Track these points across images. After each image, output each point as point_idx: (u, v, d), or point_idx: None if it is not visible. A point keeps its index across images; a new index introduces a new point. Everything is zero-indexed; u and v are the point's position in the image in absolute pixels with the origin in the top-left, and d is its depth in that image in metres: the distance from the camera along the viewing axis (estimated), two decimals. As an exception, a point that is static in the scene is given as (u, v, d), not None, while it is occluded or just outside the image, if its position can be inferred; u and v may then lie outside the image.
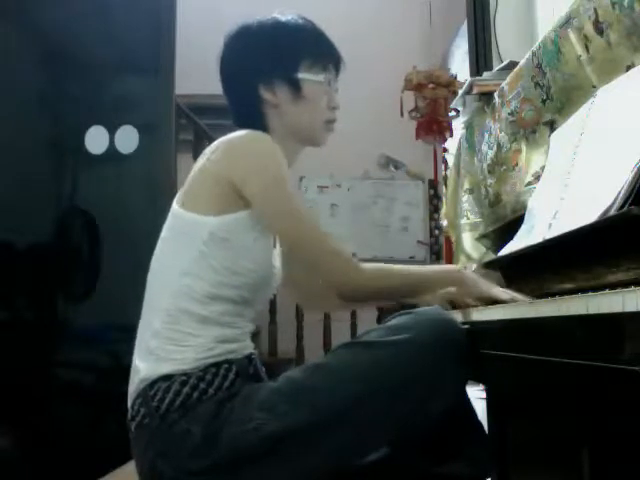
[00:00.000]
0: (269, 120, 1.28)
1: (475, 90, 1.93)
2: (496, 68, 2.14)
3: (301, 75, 1.27)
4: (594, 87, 1.28)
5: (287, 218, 1.19)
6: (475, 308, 1.17)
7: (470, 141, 2.05)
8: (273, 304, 3.66)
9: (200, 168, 1.22)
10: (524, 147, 1.65)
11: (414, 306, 1.23)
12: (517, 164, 1.68)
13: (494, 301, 1.14)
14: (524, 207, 1.37)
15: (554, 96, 1.48)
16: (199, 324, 1.14)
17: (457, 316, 1.19)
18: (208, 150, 1.23)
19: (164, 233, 1.23)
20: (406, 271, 1.27)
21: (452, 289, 1.25)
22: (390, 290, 1.26)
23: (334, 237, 1.23)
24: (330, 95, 1.31)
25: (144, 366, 1.15)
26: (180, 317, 1.14)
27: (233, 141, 1.21)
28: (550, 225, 1.13)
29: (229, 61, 1.31)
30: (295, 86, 1.27)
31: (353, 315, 3.77)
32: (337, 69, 1.33)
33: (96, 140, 2.73)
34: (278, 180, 1.18)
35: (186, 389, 1.10)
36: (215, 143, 1.23)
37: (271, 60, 1.27)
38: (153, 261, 1.23)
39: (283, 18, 1.30)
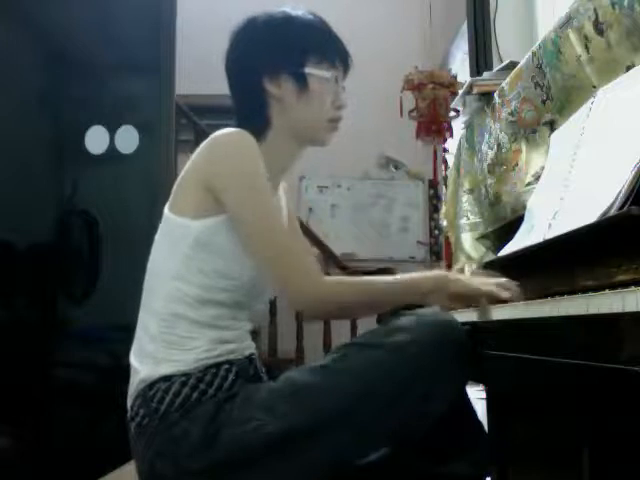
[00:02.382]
0: (272, 116, 1.25)
1: (475, 90, 1.93)
2: (496, 68, 2.14)
3: (308, 70, 1.24)
4: (594, 87, 1.28)
5: (254, 226, 1.16)
6: (475, 308, 1.17)
7: (470, 141, 2.05)
8: (273, 305, 3.65)
9: (185, 171, 1.21)
10: (524, 147, 1.65)
11: (414, 307, 1.23)
12: (517, 164, 1.68)
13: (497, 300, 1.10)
14: (524, 207, 1.37)
15: (554, 96, 1.48)
16: (195, 327, 1.14)
17: (457, 316, 1.19)
18: (195, 152, 1.22)
19: (157, 237, 1.23)
20: (374, 285, 1.20)
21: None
22: (358, 305, 1.22)
23: (306, 248, 1.21)
24: (336, 93, 1.28)
25: (143, 368, 1.15)
26: (175, 321, 1.14)
27: (214, 142, 1.19)
28: (550, 225, 1.13)
29: (235, 52, 1.28)
30: (301, 81, 1.24)
31: (353, 315, 3.77)
32: (345, 67, 1.31)
33: (96, 140, 2.73)
34: (253, 185, 1.16)
35: (186, 390, 1.10)
36: (201, 145, 1.21)
37: (278, 52, 1.25)
38: (148, 264, 1.23)
39: (293, 12, 1.28)
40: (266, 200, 1.17)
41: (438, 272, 1.25)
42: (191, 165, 1.20)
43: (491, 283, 1.12)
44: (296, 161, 1.32)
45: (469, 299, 1.17)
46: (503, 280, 1.13)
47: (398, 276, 1.22)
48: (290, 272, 1.15)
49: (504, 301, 1.08)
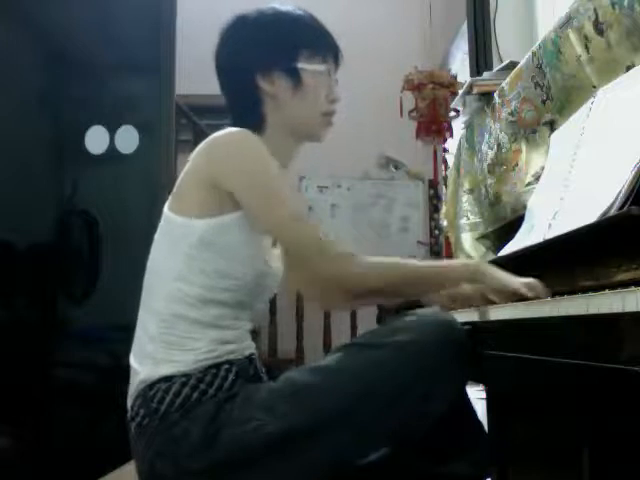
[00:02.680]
0: (267, 113, 1.25)
1: (475, 90, 1.93)
2: (496, 68, 2.14)
3: (301, 65, 1.24)
4: (594, 87, 1.28)
5: (276, 215, 1.15)
6: (477, 308, 1.17)
7: (470, 141, 2.05)
8: (273, 304, 3.65)
9: (186, 171, 1.20)
10: (524, 147, 1.65)
11: (414, 307, 1.23)
12: (517, 164, 1.68)
13: (518, 297, 1.05)
14: (524, 207, 1.37)
15: (554, 96, 1.48)
16: (196, 328, 1.14)
17: (457, 316, 1.19)
18: (194, 152, 1.21)
19: (156, 236, 1.22)
20: (413, 267, 1.18)
21: (468, 286, 1.17)
22: (392, 287, 1.19)
23: (330, 235, 1.19)
24: (330, 87, 1.28)
25: (143, 369, 1.14)
26: (175, 322, 1.14)
27: (216, 142, 1.19)
28: (550, 225, 1.13)
29: (226, 51, 1.28)
30: (295, 76, 1.23)
31: (353, 315, 3.77)
32: (336, 61, 1.30)
33: (96, 140, 2.73)
34: (265, 178, 1.16)
35: (186, 390, 1.10)
36: (201, 144, 1.20)
37: (270, 49, 1.24)
38: (148, 264, 1.22)
39: (282, 8, 1.28)
40: (281, 193, 1.16)
41: (471, 262, 1.23)
42: (192, 165, 1.20)
43: (521, 282, 1.07)
44: (293, 158, 1.31)
45: (500, 295, 1.11)
46: (531, 280, 1.07)
47: (442, 262, 1.21)
48: (320, 259, 1.14)
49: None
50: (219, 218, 1.15)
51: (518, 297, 1.05)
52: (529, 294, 1.03)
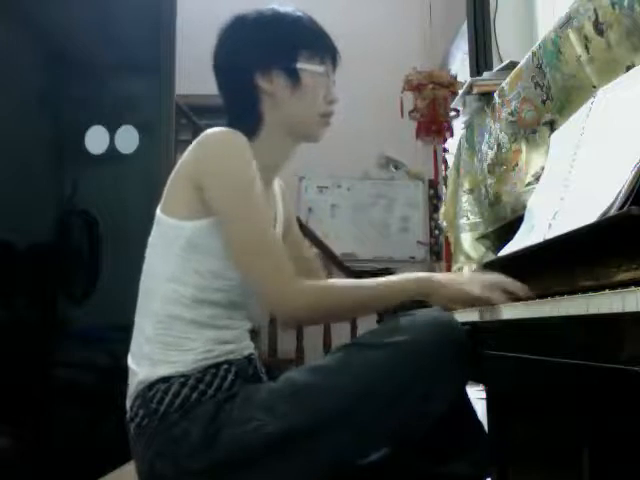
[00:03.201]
0: (264, 112, 1.25)
1: (475, 90, 1.93)
2: (496, 68, 2.14)
3: (300, 65, 1.24)
4: (594, 87, 1.28)
5: (233, 228, 1.14)
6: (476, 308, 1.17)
7: (470, 141, 2.05)
8: (273, 304, 3.65)
9: (176, 170, 1.21)
10: (524, 147, 1.65)
11: (414, 307, 1.23)
12: (517, 164, 1.68)
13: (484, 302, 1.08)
14: (524, 207, 1.37)
15: (554, 96, 1.48)
16: (192, 328, 1.14)
17: (457, 316, 1.18)
18: (186, 151, 1.21)
19: (150, 239, 1.22)
20: (356, 289, 1.18)
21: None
22: (338, 311, 1.20)
23: (284, 255, 1.14)
24: (328, 87, 1.28)
25: (141, 370, 1.15)
26: (171, 323, 1.14)
27: (201, 141, 1.19)
28: (550, 225, 1.12)
29: (225, 50, 1.28)
30: (294, 76, 1.24)
31: (353, 315, 3.77)
32: (334, 63, 1.30)
33: (96, 140, 2.73)
34: (237, 184, 1.15)
35: (185, 390, 1.10)
36: (192, 143, 1.20)
37: (270, 48, 1.25)
38: (144, 266, 1.22)
39: (281, 9, 1.28)
40: (251, 202, 1.15)
41: (421, 275, 1.18)
42: (181, 164, 1.20)
43: (488, 285, 1.09)
44: (290, 158, 1.31)
45: (462, 304, 1.16)
46: (501, 281, 1.09)
47: (380, 279, 1.17)
48: (264, 277, 1.13)
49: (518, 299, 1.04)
50: (206, 220, 1.15)
51: (484, 302, 1.07)
52: (499, 300, 1.05)
